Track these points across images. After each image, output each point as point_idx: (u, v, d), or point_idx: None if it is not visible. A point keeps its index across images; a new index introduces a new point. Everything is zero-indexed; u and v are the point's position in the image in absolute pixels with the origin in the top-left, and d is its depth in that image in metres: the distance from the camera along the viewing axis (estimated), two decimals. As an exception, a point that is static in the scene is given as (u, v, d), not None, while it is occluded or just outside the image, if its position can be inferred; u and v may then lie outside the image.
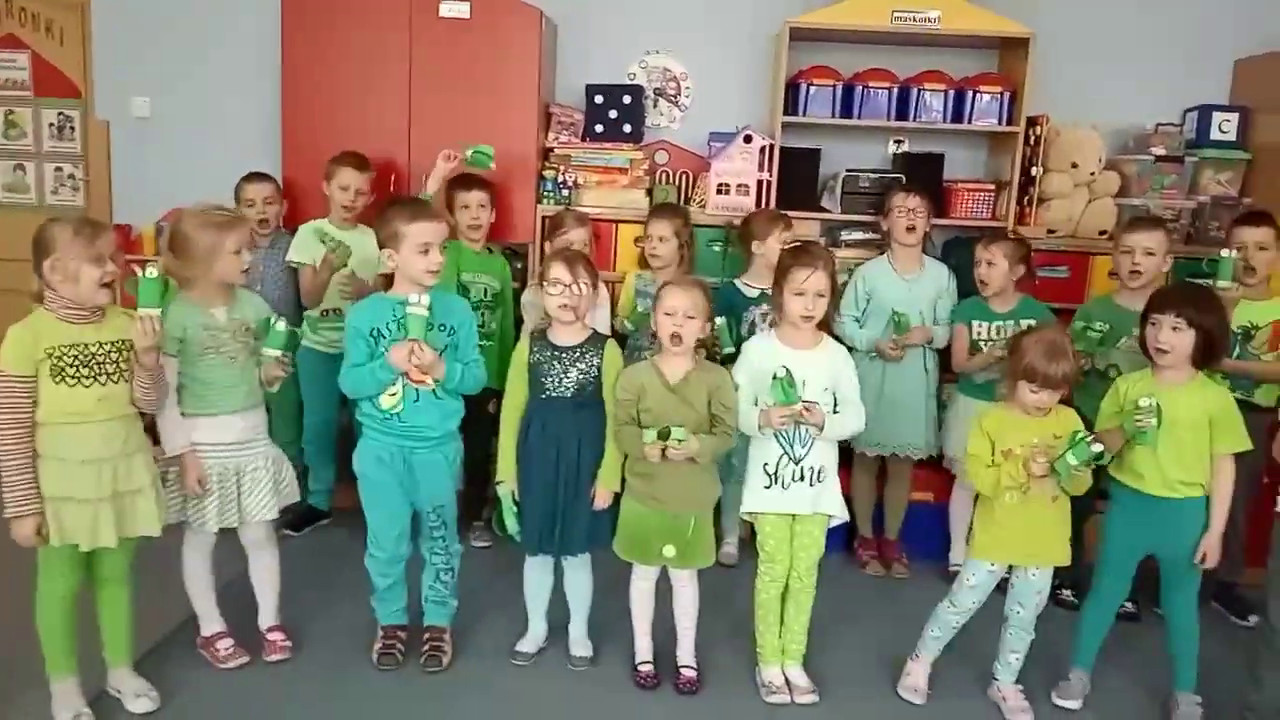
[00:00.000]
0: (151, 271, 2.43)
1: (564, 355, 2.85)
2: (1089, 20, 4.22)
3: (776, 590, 2.90)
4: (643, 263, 3.83)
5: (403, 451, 2.82)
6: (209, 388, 2.72)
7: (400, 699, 2.81)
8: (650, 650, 2.97)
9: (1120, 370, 3.22)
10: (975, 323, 3.59)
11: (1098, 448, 2.59)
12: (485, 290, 3.70)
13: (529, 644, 3.04)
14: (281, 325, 2.73)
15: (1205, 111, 4.12)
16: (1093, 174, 4.00)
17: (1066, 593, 3.47)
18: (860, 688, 2.97)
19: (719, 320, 3.37)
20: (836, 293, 2.83)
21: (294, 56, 4.00)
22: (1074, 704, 2.92)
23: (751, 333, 3.54)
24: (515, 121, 4.01)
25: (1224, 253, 3.29)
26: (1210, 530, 2.75)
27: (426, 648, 2.96)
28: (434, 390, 2.80)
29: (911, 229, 3.62)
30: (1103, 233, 3.99)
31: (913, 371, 3.65)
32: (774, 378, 2.69)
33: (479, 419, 3.22)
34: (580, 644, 3.05)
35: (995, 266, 3.51)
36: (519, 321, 3.76)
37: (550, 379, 2.85)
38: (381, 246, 2.80)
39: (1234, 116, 4.10)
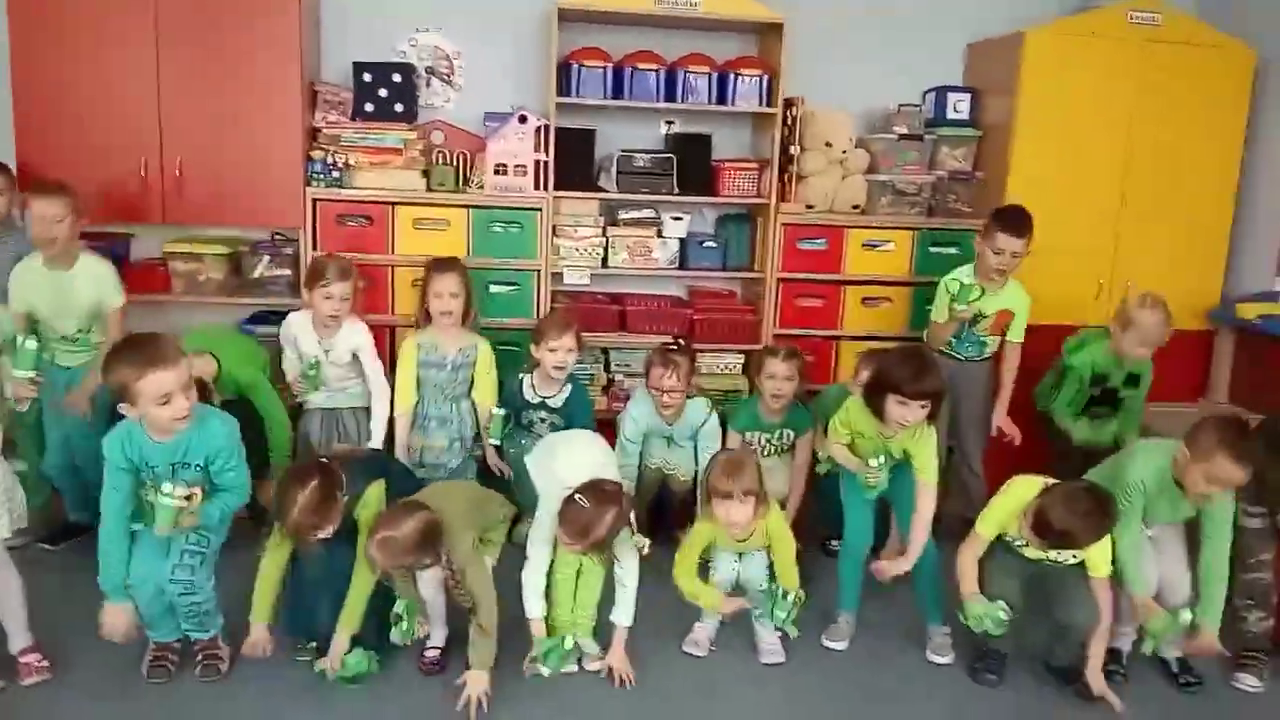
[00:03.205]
0: None
1: None
2: (837, 7, 4.47)
3: (571, 570, 3.00)
4: (423, 318, 3.69)
5: None
6: None
7: (177, 710, 2.69)
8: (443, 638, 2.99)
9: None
10: (748, 433, 3.73)
11: (793, 595, 2.93)
12: None
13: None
14: (31, 344, 2.55)
15: (941, 93, 4.47)
16: (845, 152, 4.26)
17: (834, 543, 3.72)
18: (648, 649, 3.08)
19: (497, 411, 3.53)
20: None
21: (23, 39, 3.69)
22: (841, 644, 3.17)
23: (529, 429, 3.69)
24: (277, 101, 3.86)
25: (963, 271, 3.68)
26: (920, 495, 3.02)
27: (200, 658, 2.83)
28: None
29: (671, 404, 3.62)
30: (855, 207, 4.29)
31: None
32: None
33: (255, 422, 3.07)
34: None
35: (791, 381, 3.61)
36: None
37: None
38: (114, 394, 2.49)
39: (966, 97, 4.46)
